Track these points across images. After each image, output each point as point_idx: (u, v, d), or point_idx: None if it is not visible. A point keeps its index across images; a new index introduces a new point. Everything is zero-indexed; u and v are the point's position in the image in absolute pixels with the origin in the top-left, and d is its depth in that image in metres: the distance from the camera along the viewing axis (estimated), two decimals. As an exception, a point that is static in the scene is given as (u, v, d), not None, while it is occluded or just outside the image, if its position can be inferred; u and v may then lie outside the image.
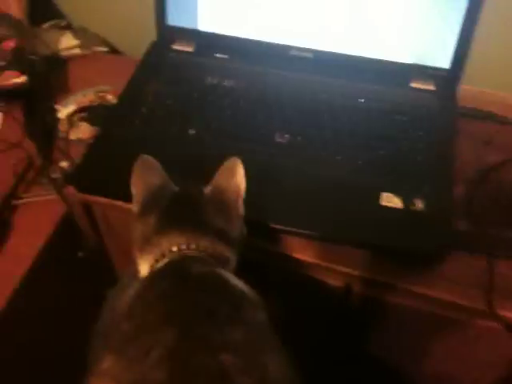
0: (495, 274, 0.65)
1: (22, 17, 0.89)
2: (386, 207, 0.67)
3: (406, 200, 0.68)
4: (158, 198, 0.57)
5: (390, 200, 0.68)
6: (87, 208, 0.76)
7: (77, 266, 0.82)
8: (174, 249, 0.52)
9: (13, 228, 0.75)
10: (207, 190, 0.58)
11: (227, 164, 0.58)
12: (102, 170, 0.72)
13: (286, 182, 0.70)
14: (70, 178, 0.75)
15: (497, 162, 0.75)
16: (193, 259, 0.51)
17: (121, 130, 0.76)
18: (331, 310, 0.74)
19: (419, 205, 0.68)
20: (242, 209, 0.58)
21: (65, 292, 0.85)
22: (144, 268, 0.54)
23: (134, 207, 0.58)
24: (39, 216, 0.76)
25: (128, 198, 0.70)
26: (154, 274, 0.52)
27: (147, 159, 0.59)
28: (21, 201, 0.77)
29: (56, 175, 0.77)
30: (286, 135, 0.75)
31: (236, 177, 0.57)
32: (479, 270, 0.65)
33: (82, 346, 0.65)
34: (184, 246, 0.52)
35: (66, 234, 0.78)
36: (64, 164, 0.78)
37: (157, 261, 0.53)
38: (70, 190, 0.73)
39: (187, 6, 0.83)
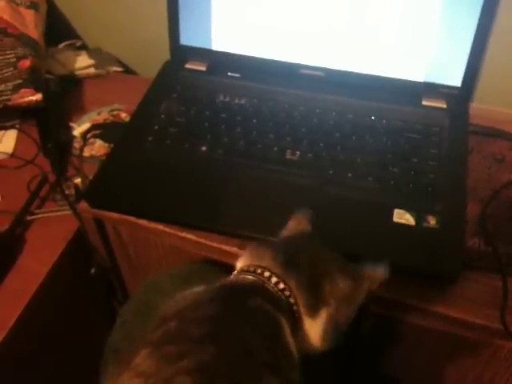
0: (510, 293, 0.64)
1: (38, 37, 0.91)
2: (398, 224, 0.67)
3: (419, 217, 0.68)
4: (297, 235, 0.58)
5: (402, 217, 0.67)
6: (99, 224, 0.76)
7: (89, 282, 0.82)
8: (266, 274, 0.50)
9: (25, 244, 0.75)
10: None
11: (377, 269, 0.55)
12: (115, 186, 0.72)
13: (296, 198, 0.70)
14: (83, 193, 0.75)
15: (509, 180, 0.75)
16: (267, 295, 0.49)
17: (134, 147, 0.76)
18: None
19: (432, 222, 0.67)
20: (360, 300, 0.54)
21: (76, 308, 0.85)
22: (239, 263, 0.53)
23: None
24: (52, 232, 0.76)
25: (140, 213, 0.72)
26: (220, 290, 0.50)
27: (305, 213, 0.60)
28: (34, 217, 0.77)
29: (69, 191, 0.77)
30: (297, 152, 0.75)
31: (379, 270, 0.55)
32: (493, 289, 0.64)
33: (94, 362, 0.65)
34: (274, 280, 0.50)
35: (79, 251, 0.78)
36: (77, 180, 0.79)
37: (247, 271, 0.51)
38: (83, 206, 0.74)
39: (200, 26, 0.84)
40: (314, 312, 0.50)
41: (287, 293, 0.49)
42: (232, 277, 0.52)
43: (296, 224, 0.59)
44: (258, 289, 0.49)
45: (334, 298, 0.51)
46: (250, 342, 0.45)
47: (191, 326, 0.45)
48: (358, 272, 0.54)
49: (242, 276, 0.51)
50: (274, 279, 0.50)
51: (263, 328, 0.46)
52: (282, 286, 0.49)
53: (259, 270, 0.50)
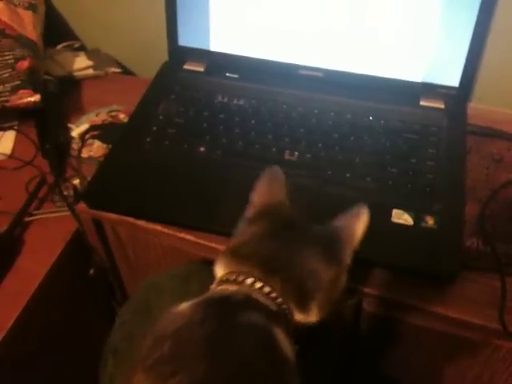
0: (508, 292, 0.64)
1: (36, 38, 0.91)
2: (397, 224, 0.67)
3: (417, 217, 0.68)
4: (270, 215, 0.54)
5: (401, 217, 0.68)
6: (98, 225, 0.76)
7: (87, 283, 0.82)
8: (249, 281, 0.48)
9: (24, 245, 0.75)
10: (324, 226, 0.54)
11: (354, 209, 0.54)
12: (114, 187, 0.73)
13: (295, 199, 0.70)
14: (82, 194, 0.75)
15: (508, 180, 0.75)
16: (254, 305, 0.47)
17: (132, 148, 0.77)
18: (340, 329, 0.73)
19: (430, 222, 0.67)
20: (349, 257, 0.53)
21: (75, 309, 0.85)
22: (218, 271, 0.52)
23: (249, 212, 0.55)
24: (50, 233, 0.76)
25: (138, 214, 0.72)
26: (208, 308, 0.48)
27: (276, 172, 0.58)
28: (32, 218, 0.77)
29: (68, 192, 0.77)
30: (296, 153, 0.75)
31: (358, 221, 0.53)
32: (492, 289, 0.64)
33: (93, 362, 0.65)
34: (258, 285, 0.48)
35: (77, 252, 0.78)
36: (76, 181, 0.79)
37: (227, 280, 0.50)
38: (82, 206, 0.74)
39: (198, 27, 0.84)
40: (304, 308, 0.49)
41: (274, 295, 0.48)
42: (215, 287, 0.50)
43: (271, 193, 0.56)
44: (245, 301, 0.47)
45: (320, 290, 0.50)
46: (245, 357, 0.44)
47: (184, 348, 0.44)
48: (338, 248, 0.52)
49: (225, 287, 0.49)
50: (257, 284, 0.48)
51: (256, 341, 0.45)
52: (267, 289, 0.48)
53: (241, 278, 0.49)
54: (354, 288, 0.66)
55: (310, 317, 0.50)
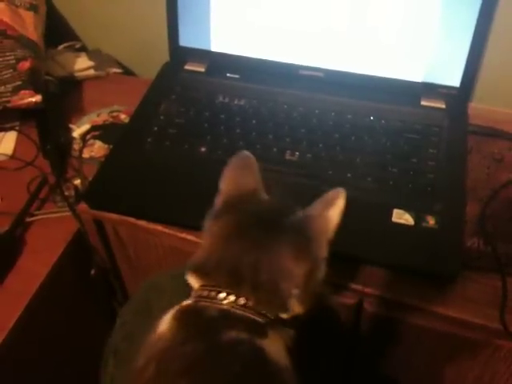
0: (509, 292, 0.64)
1: (37, 38, 0.91)
2: (398, 224, 0.67)
3: (418, 217, 0.68)
4: (237, 208, 0.52)
5: (401, 217, 0.68)
6: (99, 225, 0.76)
7: (88, 283, 0.82)
8: (221, 295, 0.47)
9: (25, 245, 0.75)
10: (295, 216, 0.51)
11: (329, 194, 0.51)
12: (115, 187, 0.73)
13: (295, 199, 0.70)
14: (83, 194, 0.75)
15: (509, 180, 0.75)
16: (233, 320, 0.46)
17: (133, 148, 0.77)
18: (341, 329, 0.73)
19: (431, 222, 0.67)
20: (325, 249, 0.50)
21: (76, 309, 0.85)
22: (192, 283, 0.50)
23: (217, 203, 0.53)
24: (52, 233, 0.76)
25: (139, 214, 0.72)
26: (188, 326, 0.47)
27: (247, 157, 0.55)
28: (34, 218, 0.77)
29: (69, 193, 0.78)
30: (296, 153, 0.75)
31: (333, 208, 0.50)
32: (493, 289, 0.64)
33: (94, 362, 0.65)
34: (232, 298, 0.47)
35: (78, 252, 0.78)
36: (77, 182, 0.79)
37: (200, 296, 0.48)
38: (83, 207, 0.74)
39: (199, 28, 0.85)
40: (284, 307, 0.48)
41: (250, 304, 0.47)
42: (193, 303, 0.49)
43: (238, 183, 0.53)
44: (222, 317, 0.46)
45: (295, 287, 0.48)
46: (232, 374, 0.43)
47: (170, 367, 0.44)
48: (312, 242, 0.49)
49: (201, 304, 0.48)
50: (231, 297, 0.47)
51: (242, 357, 0.44)
52: (242, 301, 0.47)
53: (213, 293, 0.47)
54: (355, 288, 0.66)
55: (293, 313, 0.49)
